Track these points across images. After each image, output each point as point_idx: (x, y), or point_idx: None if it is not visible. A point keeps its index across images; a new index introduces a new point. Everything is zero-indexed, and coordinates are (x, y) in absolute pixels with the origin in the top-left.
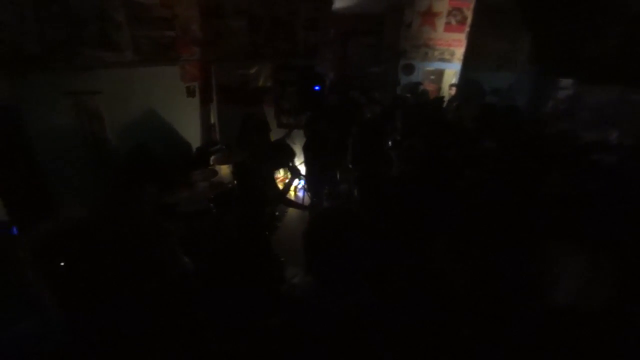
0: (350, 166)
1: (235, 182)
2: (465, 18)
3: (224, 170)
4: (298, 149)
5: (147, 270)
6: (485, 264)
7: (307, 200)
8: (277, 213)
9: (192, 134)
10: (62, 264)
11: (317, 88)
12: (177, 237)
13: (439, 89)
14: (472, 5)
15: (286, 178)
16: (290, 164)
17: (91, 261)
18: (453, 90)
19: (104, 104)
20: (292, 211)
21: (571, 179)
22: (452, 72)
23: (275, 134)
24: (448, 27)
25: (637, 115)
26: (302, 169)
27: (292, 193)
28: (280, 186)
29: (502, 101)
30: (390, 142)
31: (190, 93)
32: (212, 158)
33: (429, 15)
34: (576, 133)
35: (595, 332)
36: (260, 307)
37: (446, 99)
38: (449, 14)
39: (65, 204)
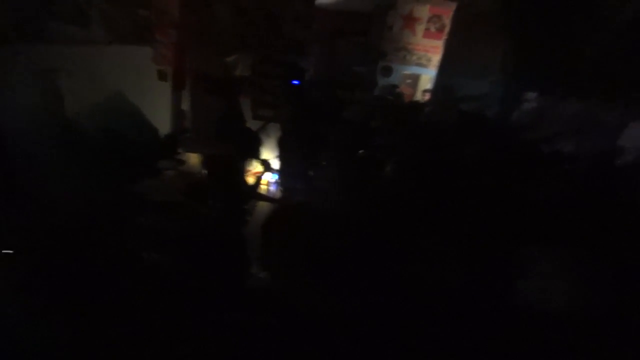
0: (325, 163)
1: (205, 171)
2: (444, 26)
3: (193, 158)
4: (273, 143)
5: (111, 264)
6: (453, 267)
7: (278, 195)
8: (246, 206)
9: (161, 120)
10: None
11: (296, 82)
12: (144, 229)
13: (415, 93)
14: (451, 14)
15: (259, 172)
16: (261, 156)
17: (47, 253)
18: (426, 96)
19: (65, 82)
20: (262, 205)
21: (538, 185)
22: (427, 78)
23: (252, 126)
24: (427, 33)
25: (598, 129)
26: (276, 163)
27: (264, 187)
28: (252, 179)
29: (475, 109)
30: (367, 142)
31: (162, 76)
32: (180, 145)
33: (410, 20)
34: (543, 142)
35: (562, 333)
36: (226, 302)
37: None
38: (429, 20)
39: (20, 191)
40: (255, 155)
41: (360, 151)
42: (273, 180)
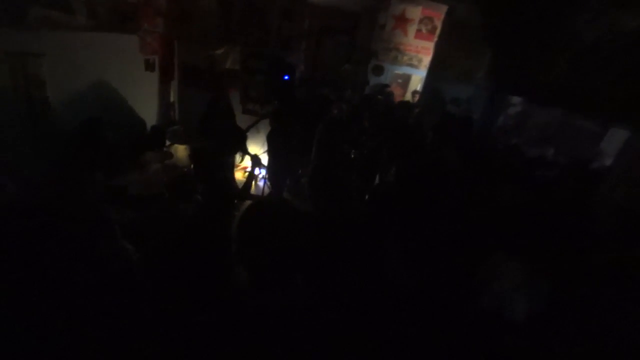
0: (314, 160)
1: (192, 166)
2: (435, 28)
3: (180, 152)
4: (262, 138)
5: (84, 260)
6: (427, 269)
7: (266, 191)
8: (235, 201)
9: (148, 112)
10: None
11: (286, 78)
12: (123, 223)
13: (405, 93)
14: (442, 17)
15: (246, 167)
16: (249, 152)
17: (20, 247)
18: (416, 97)
19: (48, 69)
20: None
21: (514, 189)
22: (418, 78)
23: (240, 121)
24: (418, 35)
25: (574, 137)
26: (264, 159)
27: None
28: (239, 174)
29: (460, 111)
30: (354, 142)
31: (148, 67)
32: (167, 136)
33: (402, 21)
34: (521, 148)
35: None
36: (206, 300)
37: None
38: (421, 21)
39: None
40: (243, 149)
41: (352, 152)
42: (261, 176)
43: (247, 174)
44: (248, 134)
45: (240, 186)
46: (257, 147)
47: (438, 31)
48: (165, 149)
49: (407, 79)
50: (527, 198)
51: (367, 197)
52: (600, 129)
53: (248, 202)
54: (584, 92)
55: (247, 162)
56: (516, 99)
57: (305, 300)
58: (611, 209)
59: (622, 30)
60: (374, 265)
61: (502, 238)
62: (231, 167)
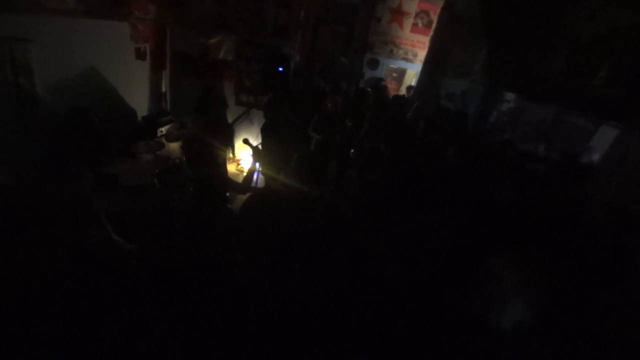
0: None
1: (184, 157)
2: (431, 22)
3: (172, 143)
4: (256, 129)
5: (72, 251)
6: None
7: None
8: (227, 194)
9: (139, 101)
10: None
11: (280, 69)
12: (113, 214)
13: (400, 87)
14: (438, 11)
15: (239, 159)
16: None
17: (6, 238)
18: (411, 92)
19: (36, 55)
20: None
21: (506, 184)
22: (413, 73)
23: (234, 111)
24: (414, 28)
25: (566, 133)
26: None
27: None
28: (232, 167)
29: (455, 107)
30: (348, 135)
31: (139, 55)
32: (163, 129)
33: (398, 14)
34: (514, 143)
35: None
36: (202, 290)
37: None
38: (417, 15)
39: None
40: (232, 143)
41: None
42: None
43: (239, 166)
44: (241, 126)
45: (232, 179)
46: (251, 140)
47: (434, 25)
48: (156, 139)
49: (402, 73)
50: (519, 193)
51: (359, 189)
52: (592, 126)
53: (247, 194)
54: (577, 89)
55: (240, 154)
56: (510, 95)
57: (297, 288)
58: (601, 205)
59: (617, 28)
60: (365, 258)
61: (492, 233)
62: (223, 159)
